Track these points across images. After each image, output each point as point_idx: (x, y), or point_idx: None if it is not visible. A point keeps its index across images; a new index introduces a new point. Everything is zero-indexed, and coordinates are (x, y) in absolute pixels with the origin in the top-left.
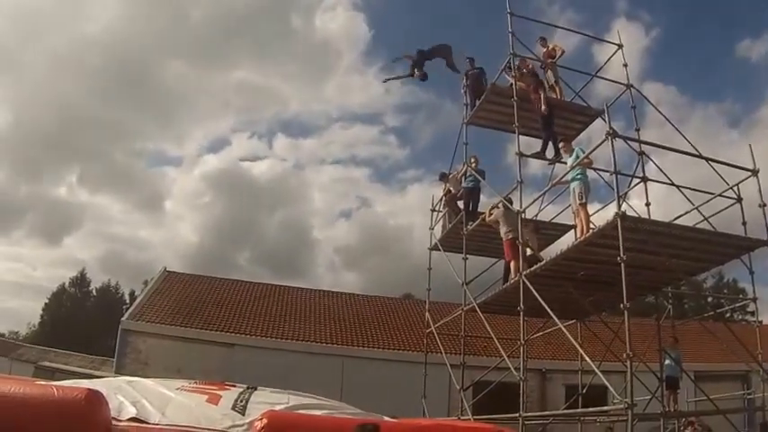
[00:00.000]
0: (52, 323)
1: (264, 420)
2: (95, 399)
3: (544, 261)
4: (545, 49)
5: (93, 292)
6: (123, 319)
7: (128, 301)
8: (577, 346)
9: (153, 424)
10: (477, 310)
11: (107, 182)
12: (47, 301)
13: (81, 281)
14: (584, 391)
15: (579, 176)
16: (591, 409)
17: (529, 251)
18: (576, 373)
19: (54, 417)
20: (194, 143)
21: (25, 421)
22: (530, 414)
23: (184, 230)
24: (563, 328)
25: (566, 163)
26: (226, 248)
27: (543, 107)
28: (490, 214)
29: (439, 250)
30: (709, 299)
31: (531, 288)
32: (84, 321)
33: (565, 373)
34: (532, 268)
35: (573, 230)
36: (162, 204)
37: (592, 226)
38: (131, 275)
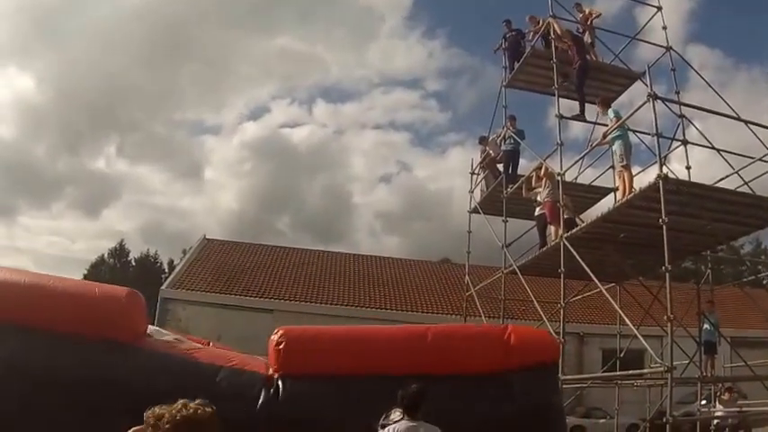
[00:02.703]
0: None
1: (280, 332)
2: (135, 298)
3: (585, 223)
4: (581, 15)
5: (133, 262)
6: (163, 287)
7: (167, 271)
8: (617, 308)
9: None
10: (518, 272)
11: (146, 152)
12: (86, 272)
13: (120, 252)
14: (622, 354)
15: (619, 137)
16: (630, 372)
17: (566, 214)
18: (612, 337)
19: (94, 311)
20: (235, 111)
21: (69, 312)
22: (568, 377)
23: (225, 198)
24: (603, 291)
25: (606, 125)
26: (266, 215)
27: (577, 60)
28: (538, 177)
29: (479, 213)
30: (747, 263)
31: (572, 250)
32: None
33: (602, 336)
34: (573, 230)
35: (613, 193)
36: (202, 173)
37: (634, 188)
38: (172, 245)
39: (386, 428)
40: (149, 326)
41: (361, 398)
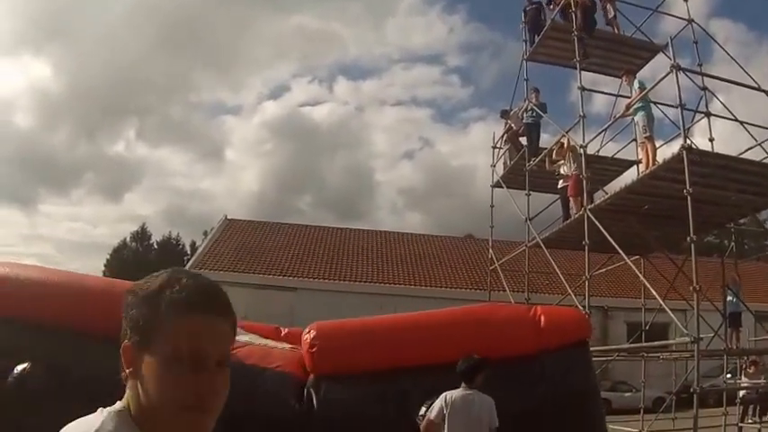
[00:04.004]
0: (114, 278)
1: (313, 332)
2: None
3: (609, 195)
4: None
5: (155, 245)
6: (186, 268)
7: (189, 253)
8: (643, 279)
9: None
10: (542, 245)
11: (166, 135)
12: (108, 257)
13: (142, 235)
14: (647, 327)
15: (641, 108)
16: (656, 344)
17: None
18: (637, 310)
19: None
20: (254, 91)
21: (106, 312)
22: (593, 349)
23: (246, 179)
24: (629, 262)
25: (629, 97)
26: (288, 195)
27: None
28: (560, 152)
29: (501, 187)
30: None
31: (597, 222)
32: (147, 275)
33: (626, 310)
34: (597, 202)
35: (635, 166)
36: (223, 154)
37: (657, 160)
38: (194, 227)
39: (443, 393)
40: None
41: (400, 392)
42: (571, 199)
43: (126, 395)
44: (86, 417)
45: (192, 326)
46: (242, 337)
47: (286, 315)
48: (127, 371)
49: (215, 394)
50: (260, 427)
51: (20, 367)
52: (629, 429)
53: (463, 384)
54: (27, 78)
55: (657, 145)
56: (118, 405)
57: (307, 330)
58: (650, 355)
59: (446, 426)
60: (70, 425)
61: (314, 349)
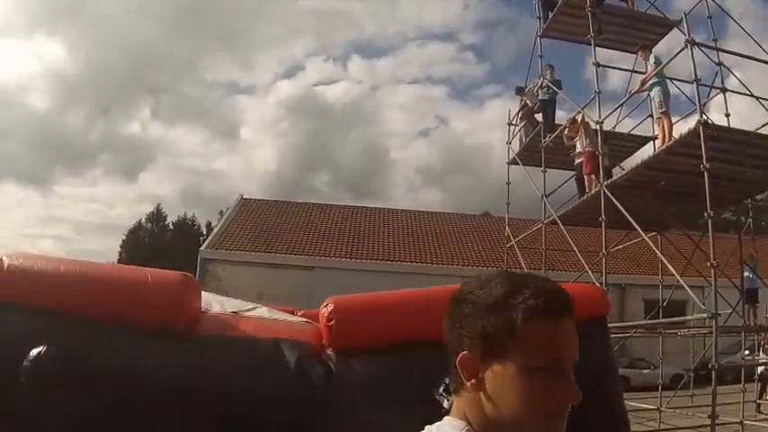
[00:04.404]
0: (130, 260)
1: (330, 305)
2: (189, 283)
3: (626, 171)
4: None
5: (170, 225)
6: (202, 248)
7: (205, 233)
8: (660, 256)
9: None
10: (558, 221)
11: (181, 115)
12: (124, 238)
13: (157, 215)
14: (665, 304)
15: (657, 83)
16: (674, 320)
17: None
18: (654, 287)
19: (145, 298)
20: (268, 71)
21: (118, 300)
22: (611, 326)
23: (262, 159)
24: (646, 238)
25: (644, 72)
26: (304, 174)
27: None
28: (573, 122)
29: (517, 164)
30: None
31: (613, 199)
32: (163, 255)
33: (644, 287)
34: (614, 178)
35: (652, 142)
36: (238, 134)
37: (674, 136)
38: (210, 207)
39: None
40: (205, 294)
41: (420, 366)
42: (585, 176)
43: (459, 408)
44: None
45: (552, 331)
46: (254, 312)
47: (304, 294)
48: (468, 383)
49: (573, 399)
50: (276, 400)
51: (35, 351)
52: (648, 406)
53: None
54: (42, 59)
55: (674, 121)
56: (458, 423)
57: (324, 304)
58: (668, 331)
59: None
60: None
61: (332, 323)
